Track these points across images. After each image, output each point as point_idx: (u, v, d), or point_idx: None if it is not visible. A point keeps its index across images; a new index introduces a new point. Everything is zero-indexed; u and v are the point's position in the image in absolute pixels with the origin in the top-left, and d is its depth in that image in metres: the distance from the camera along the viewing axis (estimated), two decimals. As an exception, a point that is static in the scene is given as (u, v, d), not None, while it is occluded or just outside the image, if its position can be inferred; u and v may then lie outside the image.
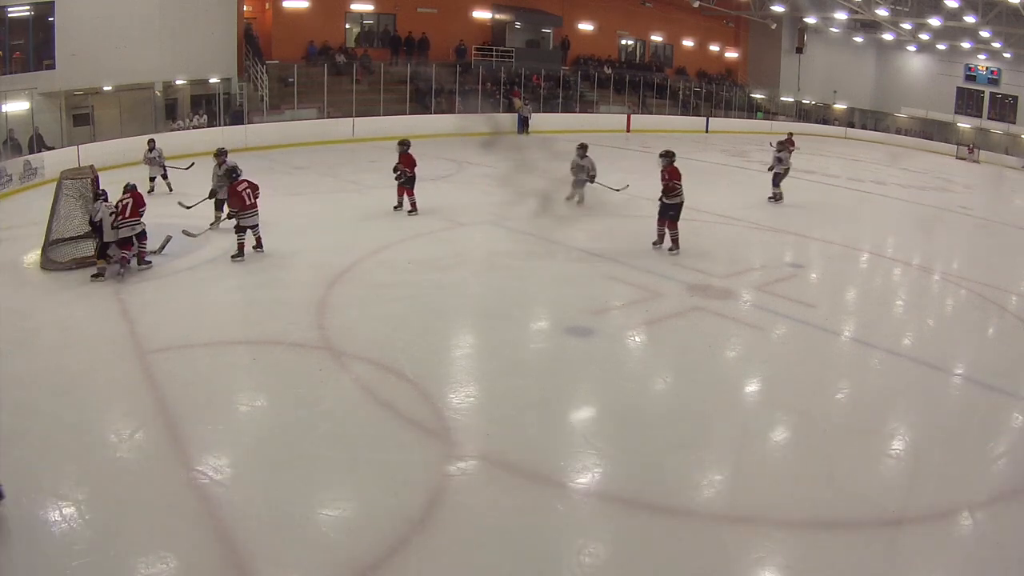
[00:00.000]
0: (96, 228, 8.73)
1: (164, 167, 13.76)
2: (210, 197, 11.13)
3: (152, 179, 13.75)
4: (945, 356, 7.64)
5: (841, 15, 31.68)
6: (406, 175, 12.32)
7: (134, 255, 8.84)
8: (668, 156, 10.59)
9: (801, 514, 4.65)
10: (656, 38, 36.79)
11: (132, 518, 4.30)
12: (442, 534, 4.31)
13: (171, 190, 13.25)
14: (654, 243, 10.76)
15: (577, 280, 9.33)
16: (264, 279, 8.83)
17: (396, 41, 27.11)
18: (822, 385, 6.71)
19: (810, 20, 34.75)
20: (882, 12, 29.47)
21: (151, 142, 13.86)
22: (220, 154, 11.04)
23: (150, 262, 9.12)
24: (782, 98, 38.62)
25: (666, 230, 10.63)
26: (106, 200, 8.81)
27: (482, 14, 29.61)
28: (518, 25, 30.24)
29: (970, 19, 26.85)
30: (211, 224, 10.69)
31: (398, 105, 24.08)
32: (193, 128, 18.99)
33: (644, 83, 32.88)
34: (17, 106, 15.69)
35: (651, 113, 32.02)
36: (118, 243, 8.58)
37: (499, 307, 8.37)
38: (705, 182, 17.71)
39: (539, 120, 26.76)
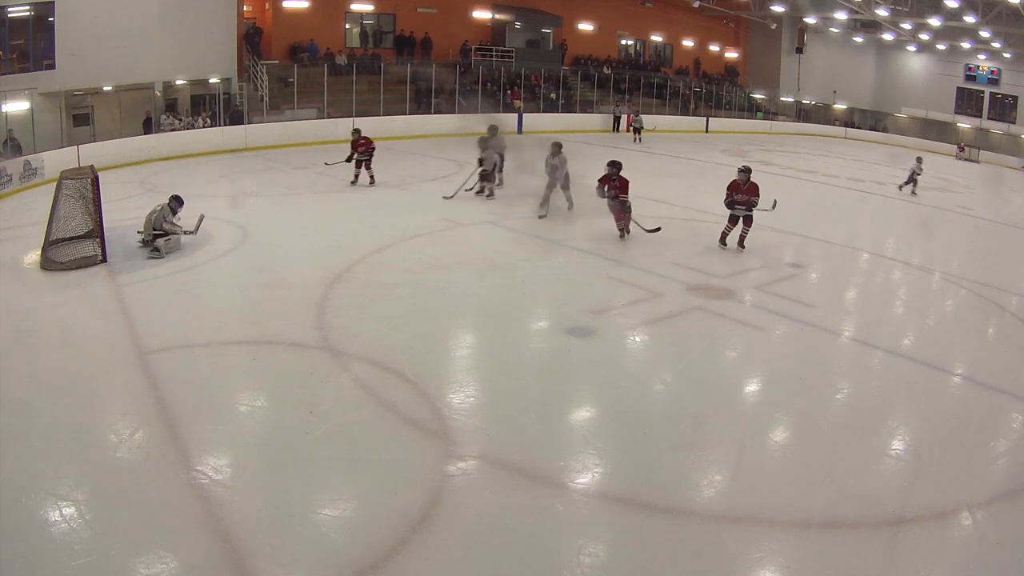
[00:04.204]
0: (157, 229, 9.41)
1: None
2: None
3: None
4: (945, 356, 7.64)
5: (841, 15, 31.68)
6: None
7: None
8: (747, 171, 10.94)
9: (801, 514, 4.65)
10: (656, 38, 36.81)
11: (132, 518, 4.30)
12: (442, 534, 4.31)
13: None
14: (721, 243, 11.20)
15: (577, 280, 9.33)
16: (264, 279, 8.82)
17: (401, 41, 27.10)
18: (822, 385, 6.71)
19: (810, 20, 34.77)
20: (882, 12, 29.47)
21: None
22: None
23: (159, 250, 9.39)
24: (782, 98, 38.63)
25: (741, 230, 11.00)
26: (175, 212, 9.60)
27: (482, 14, 29.62)
28: (518, 25, 30.26)
29: (970, 19, 26.85)
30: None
31: (398, 105, 24.08)
32: (179, 129, 18.96)
33: (644, 83, 32.90)
34: (17, 106, 15.69)
35: (650, 112, 32.02)
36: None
37: (499, 307, 8.37)
38: (705, 182, 17.71)
39: (537, 120, 26.77)
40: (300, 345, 6.87)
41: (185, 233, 9.77)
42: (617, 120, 29.37)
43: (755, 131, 34.67)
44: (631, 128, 27.91)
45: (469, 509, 4.57)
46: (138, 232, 9.68)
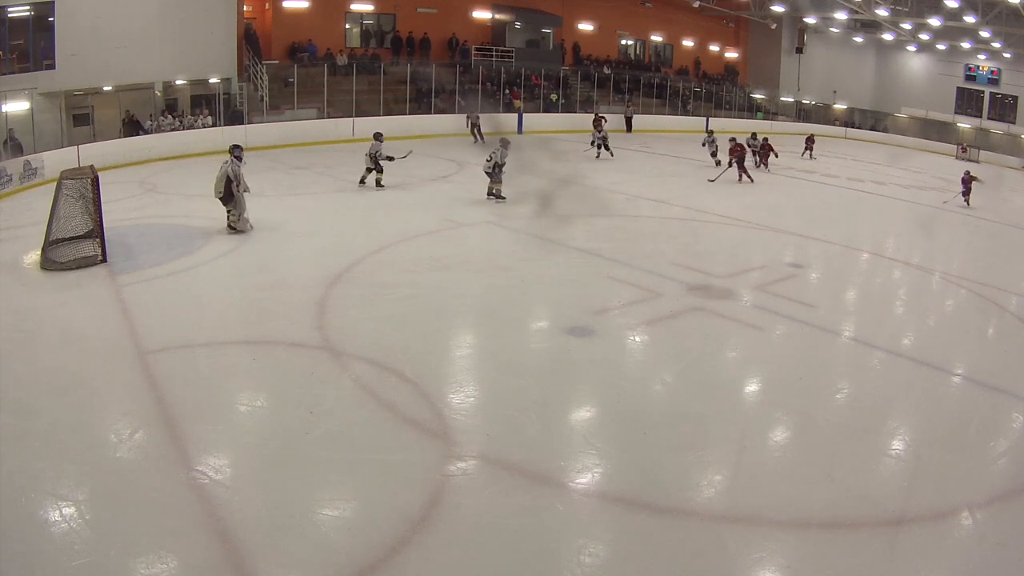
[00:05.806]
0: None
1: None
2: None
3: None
4: (945, 356, 7.64)
5: (841, 15, 31.68)
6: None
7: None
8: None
9: (801, 514, 4.65)
10: (656, 38, 36.81)
11: (132, 518, 4.30)
12: (442, 534, 4.31)
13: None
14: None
15: (577, 280, 9.33)
16: (264, 279, 8.82)
17: (398, 42, 27.11)
18: (822, 385, 6.70)
19: (810, 20, 34.76)
20: (882, 12, 29.47)
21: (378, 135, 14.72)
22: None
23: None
24: (782, 98, 38.61)
25: None
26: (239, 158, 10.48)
27: (482, 14, 29.61)
28: (518, 25, 30.25)
29: (970, 19, 26.85)
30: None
31: (398, 105, 24.09)
32: (179, 129, 18.94)
33: (643, 83, 32.89)
34: (17, 106, 15.69)
35: (650, 112, 32.00)
36: None
37: (499, 307, 8.37)
38: (705, 182, 17.72)
39: (537, 120, 26.77)
40: (300, 345, 6.87)
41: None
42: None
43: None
44: (594, 142, 21.00)
45: (469, 509, 4.57)
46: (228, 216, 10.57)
